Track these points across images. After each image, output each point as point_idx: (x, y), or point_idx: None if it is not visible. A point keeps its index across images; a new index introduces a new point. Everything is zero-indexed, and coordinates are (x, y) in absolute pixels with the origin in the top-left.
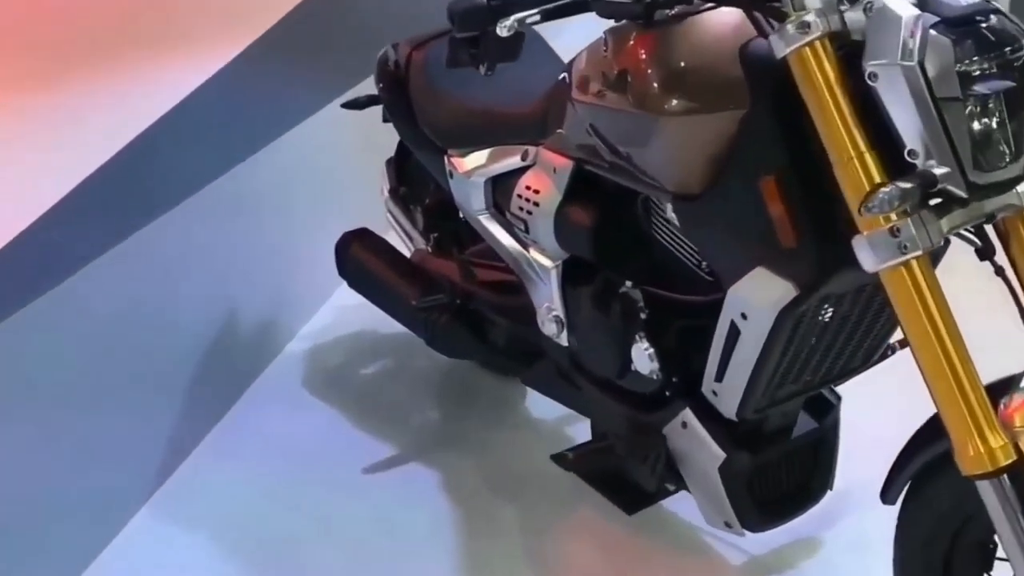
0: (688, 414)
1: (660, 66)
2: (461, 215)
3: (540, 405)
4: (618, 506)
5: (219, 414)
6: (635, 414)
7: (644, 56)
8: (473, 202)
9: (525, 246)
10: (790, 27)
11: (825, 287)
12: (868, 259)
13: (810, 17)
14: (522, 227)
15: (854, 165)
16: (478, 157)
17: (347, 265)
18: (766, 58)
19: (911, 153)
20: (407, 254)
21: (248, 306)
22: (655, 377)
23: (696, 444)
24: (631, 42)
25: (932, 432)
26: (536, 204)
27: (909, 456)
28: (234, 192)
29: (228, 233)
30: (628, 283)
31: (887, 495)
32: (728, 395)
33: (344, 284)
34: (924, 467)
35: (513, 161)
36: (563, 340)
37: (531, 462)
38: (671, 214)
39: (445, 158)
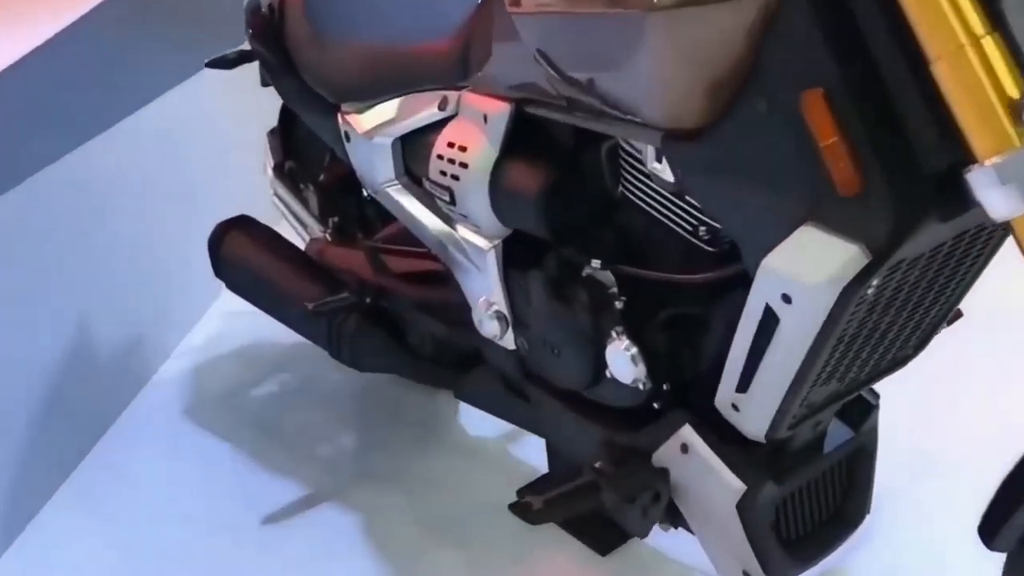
0: (689, 433)
1: None
2: (365, 191)
3: (480, 422)
4: (588, 546)
5: (78, 456)
6: (614, 436)
7: None
8: (379, 170)
9: (451, 223)
10: None
11: (906, 247)
12: (1001, 200)
13: None
14: (446, 198)
15: (967, 58)
16: (381, 111)
17: (224, 263)
18: None
19: None
20: (302, 245)
21: (109, 320)
22: (641, 386)
23: (703, 473)
24: None
25: None
26: (463, 165)
27: None
28: (80, 179)
29: (76, 230)
30: (595, 263)
31: (995, 540)
32: (757, 409)
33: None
34: None
35: (428, 113)
36: (508, 342)
37: (473, 496)
38: (655, 164)
39: (338, 117)
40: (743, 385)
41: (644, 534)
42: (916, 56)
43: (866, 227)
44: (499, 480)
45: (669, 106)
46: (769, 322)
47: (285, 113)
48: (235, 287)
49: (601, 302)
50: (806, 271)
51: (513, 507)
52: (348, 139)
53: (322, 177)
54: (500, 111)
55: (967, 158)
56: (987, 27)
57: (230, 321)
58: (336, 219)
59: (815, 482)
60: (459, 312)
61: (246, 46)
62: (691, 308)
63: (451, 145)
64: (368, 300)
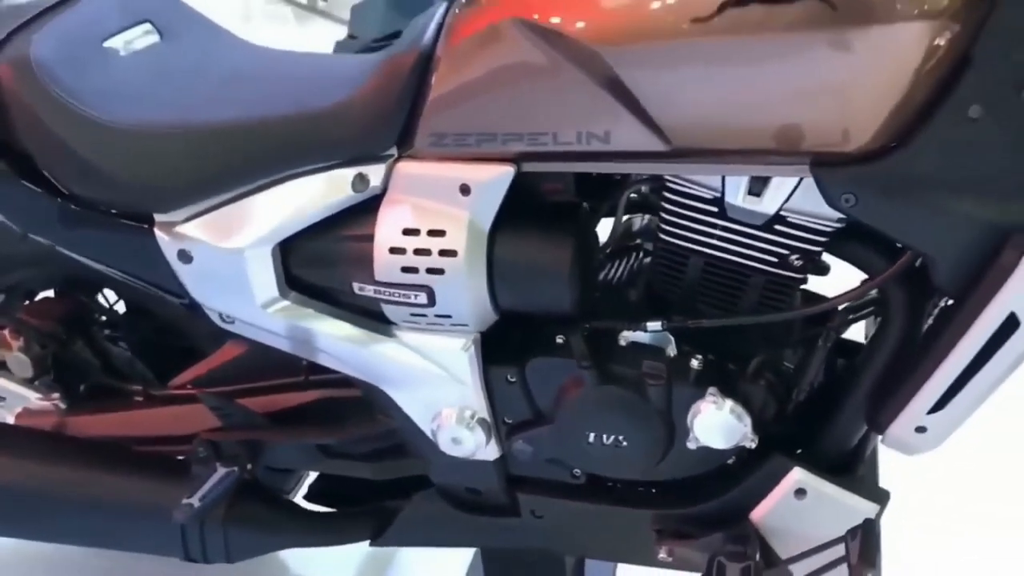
0: (803, 476)
1: None
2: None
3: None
4: None
5: None
6: (681, 511)
7: None
8: (254, 292)
9: (388, 332)
10: None
11: None
12: None
13: None
14: (421, 300)
15: None
16: (248, 211)
17: None
18: None
19: None
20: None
21: None
22: (750, 443)
23: (821, 510)
24: None
25: None
26: (448, 254)
27: None
28: None
29: None
30: (652, 325)
31: None
32: (944, 427)
33: None
34: None
35: (333, 199)
36: (489, 452)
37: None
38: (744, 199)
39: (156, 232)
40: (942, 404)
41: None
42: None
43: None
44: None
45: (855, 124)
46: (1004, 331)
47: None
48: None
49: (676, 367)
50: None
51: None
52: (187, 260)
53: (30, 318)
54: (495, 177)
55: None
56: None
57: None
58: (51, 376)
59: None
60: (384, 439)
61: None
62: (786, 346)
63: (411, 233)
64: (249, 466)
